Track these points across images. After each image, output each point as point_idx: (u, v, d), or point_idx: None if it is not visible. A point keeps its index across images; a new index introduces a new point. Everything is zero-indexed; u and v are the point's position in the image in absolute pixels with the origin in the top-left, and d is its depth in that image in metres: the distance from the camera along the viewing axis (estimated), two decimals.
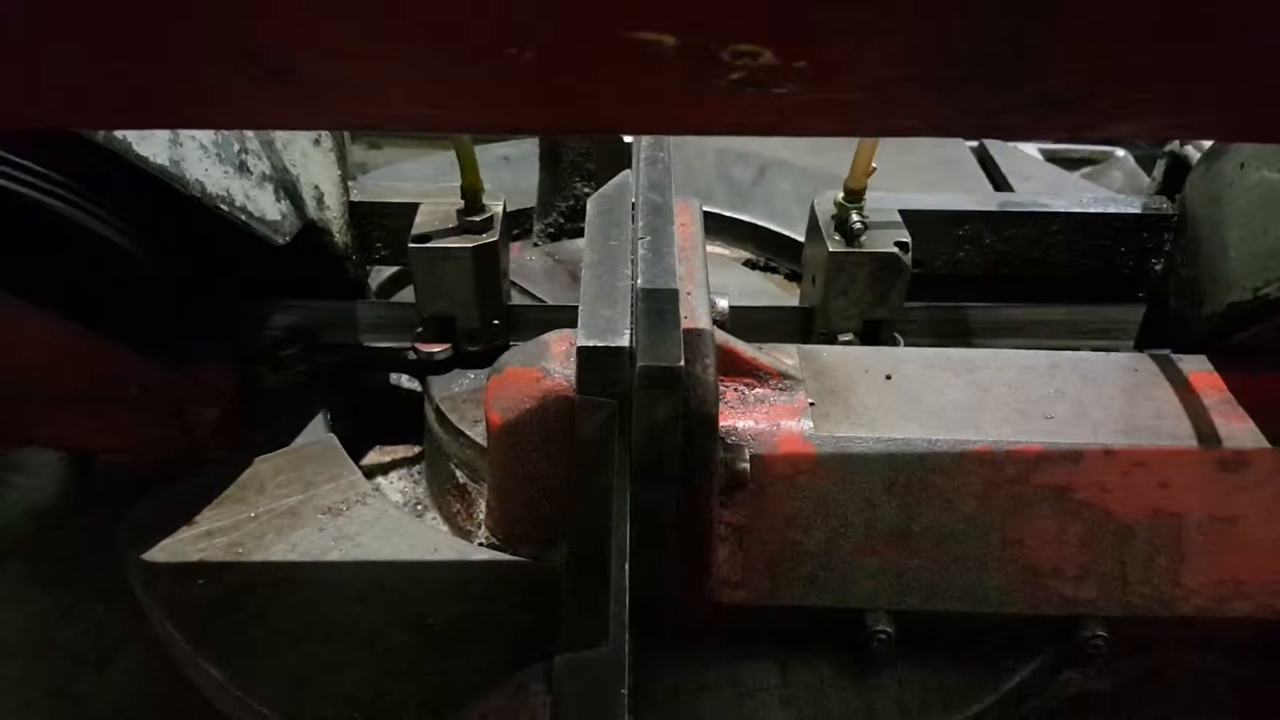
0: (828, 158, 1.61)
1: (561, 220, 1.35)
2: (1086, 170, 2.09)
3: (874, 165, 1.04)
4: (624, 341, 0.72)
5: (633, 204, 0.86)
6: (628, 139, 1.08)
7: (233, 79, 0.38)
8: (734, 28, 0.35)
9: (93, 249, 0.78)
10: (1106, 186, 1.97)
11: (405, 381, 1.29)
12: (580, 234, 1.37)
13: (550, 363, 0.78)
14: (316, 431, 1.04)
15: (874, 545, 0.80)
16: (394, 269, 1.28)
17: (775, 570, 0.80)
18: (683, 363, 0.64)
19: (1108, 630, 0.80)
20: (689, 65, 0.37)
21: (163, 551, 0.87)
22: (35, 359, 0.86)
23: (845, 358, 0.90)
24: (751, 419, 0.81)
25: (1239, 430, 0.83)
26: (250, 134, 0.87)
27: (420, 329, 1.10)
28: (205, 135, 0.81)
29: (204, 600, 0.83)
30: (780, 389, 0.83)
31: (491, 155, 1.56)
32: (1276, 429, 0.82)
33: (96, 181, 0.73)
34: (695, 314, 0.73)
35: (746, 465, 0.76)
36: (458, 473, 1.05)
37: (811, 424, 0.81)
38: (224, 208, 0.82)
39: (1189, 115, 0.44)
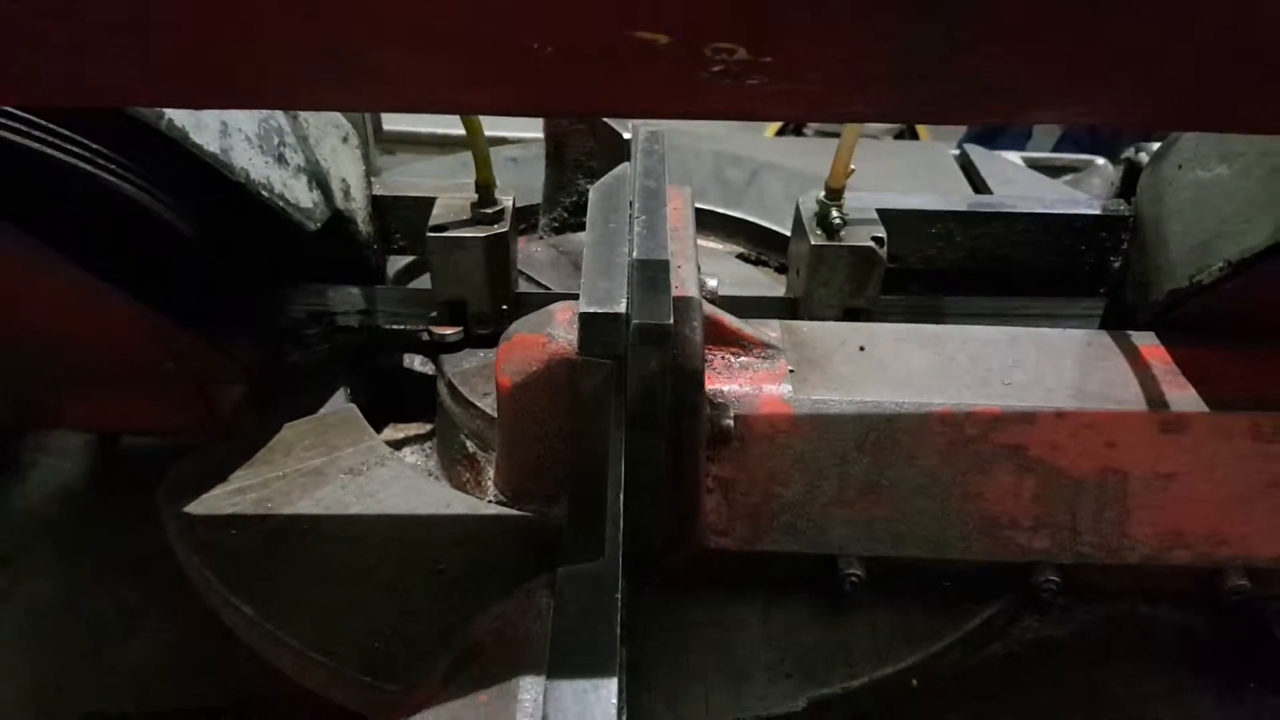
0: (815, 162, 1.71)
1: (566, 215, 1.44)
2: (1068, 178, 2.18)
3: (852, 167, 1.13)
4: (621, 309, 0.81)
5: (632, 189, 0.95)
6: (626, 135, 1.17)
7: (308, 68, 0.47)
8: (714, 29, 0.44)
9: (148, 225, 0.86)
10: (1087, 192, 2.06)
11: (418, 365, 1.37)
12: (583, 228, 1.47)
13: (555, 329, 0.86)
14: (338, 403, 1.13)
15: (846, 497, 0.89)
16: (409, 259, 1.37)
17: (757, 519, 0.89)
18: (672, 321, 0.73)
19: (1060, 576, 0.89)
20: (678, 60, 0.46)
21: (199, 505, 0.95)
22: (87, 325, 0.95)
23: (823, 331, 0.99)
24: (736, 383, 0.89)
25: (1180, 396, 0.91)
26: (288, 128, 0.97)
27: (434, 313, 1.19)
28: (250, 127, 0.90)
29: (237, 547, 0.91)
30: (763, 357, 0.92)
31: (501, 157, 1.65)
32: (1214, 395, 0.91)
33: (153, 163, 0.82)
34: (685, 284, 0.82)
35: (731, 422, 0.85)
36: (467, 443, 1.14)
37: (791, 388, 0.90)
38: (265, 194, 0.91)
39: (1093, 103, 0.53)
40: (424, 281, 1.39)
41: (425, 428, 1.27)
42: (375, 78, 0.47)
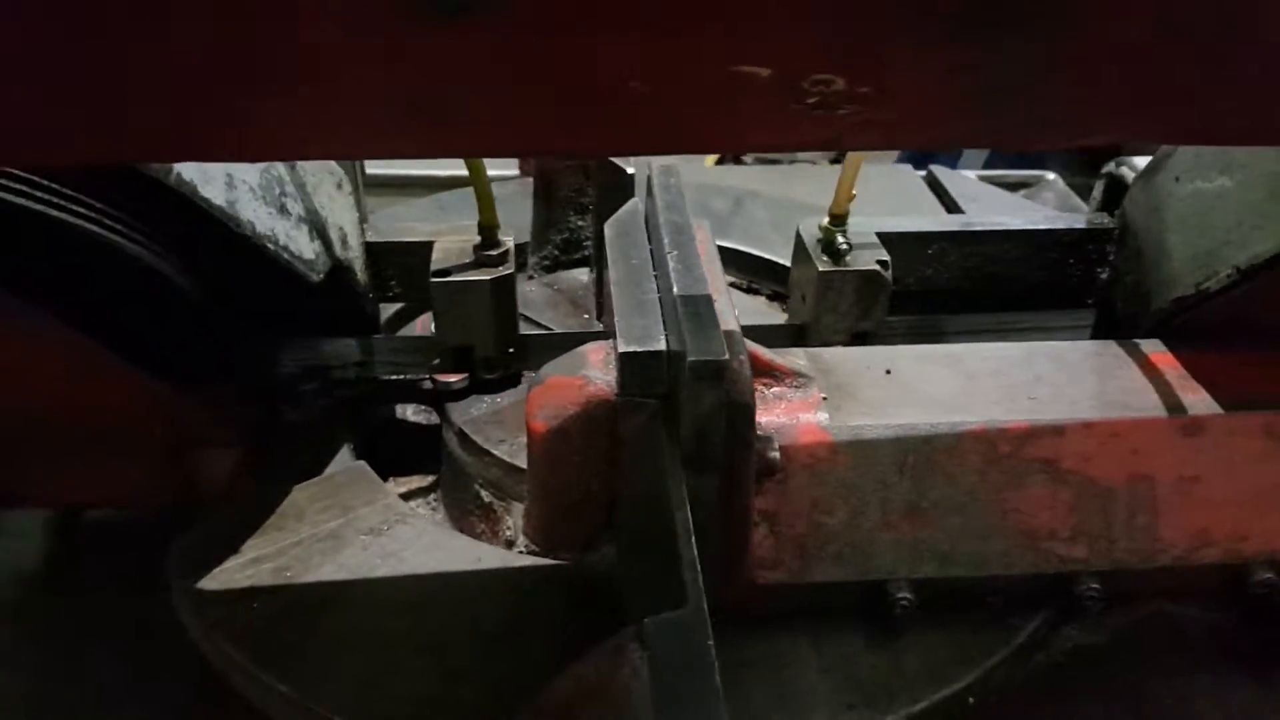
0: (795, 189, 1.74)
1: (557, 253, 1.43)
2: (1023, 192, 2.25)
3: (854, 192, 1.14)
4: (661, 346, 0.80)
5: (651, 224, 0.95)
6: (630, 170, 1.16)
7: (396, 116, 0.45)
8: (817, 61, 0.44)
9: (149, 283, 0.82)
10: (1042, 205, 2.13)
11: (411, 415, 1.34)
12: (575, 265, 1.46)
13: (591, 370, 0.85)
14: (345, 461, 1.09)
15: (890, 521, 0.88)
16: (398, 306, 1.34)
17: (805, 550, 0.88)
18: (726, 356, 0.72)
19: (1100, 584, 0.90)
20: (774, 93, 0.45)
21: (213, 580, 0.90)
22: (82, 394, 0.89)
23: (847, 357, 0.99)
24: (773, 414, 0.89)
25: (1194, 400, 0.94)
26: (287, 177, 0.93)
27: (436, 360, 1.16)
28: (253, 178, 0.86)
29: (260, 621, 0.86)
30: (795, 386, 0.92)
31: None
32: (1225, 397, 0.94)
33: (155, 219, 0.78)
34: (725, 318, 0.81)
35: (777, 454, 0.84)
36: (482, 493, 1.10)
37: (827, 416, 0.90)
38: (270, 246, 0.88)
39: (1152, 125, 0.55)
40: (414, 329, 1.36)
41: (427, 479, 1.24)
42: (468, 123, 0.45)
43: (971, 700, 0.86)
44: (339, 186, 1.08)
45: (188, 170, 0.76)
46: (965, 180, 1.98)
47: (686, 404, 0.74)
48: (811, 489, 0.88)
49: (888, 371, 0.96)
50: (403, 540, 0.95)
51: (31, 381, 0.86)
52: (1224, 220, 0.92)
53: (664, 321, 0.83)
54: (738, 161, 3.50)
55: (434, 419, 1.31)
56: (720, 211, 1.57)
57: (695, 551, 0.66)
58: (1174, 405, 0.93)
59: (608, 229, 0.99)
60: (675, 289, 0.79)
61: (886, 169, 1.99)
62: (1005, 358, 0.99)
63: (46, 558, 1.49)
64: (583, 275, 1.44)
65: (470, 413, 1.15)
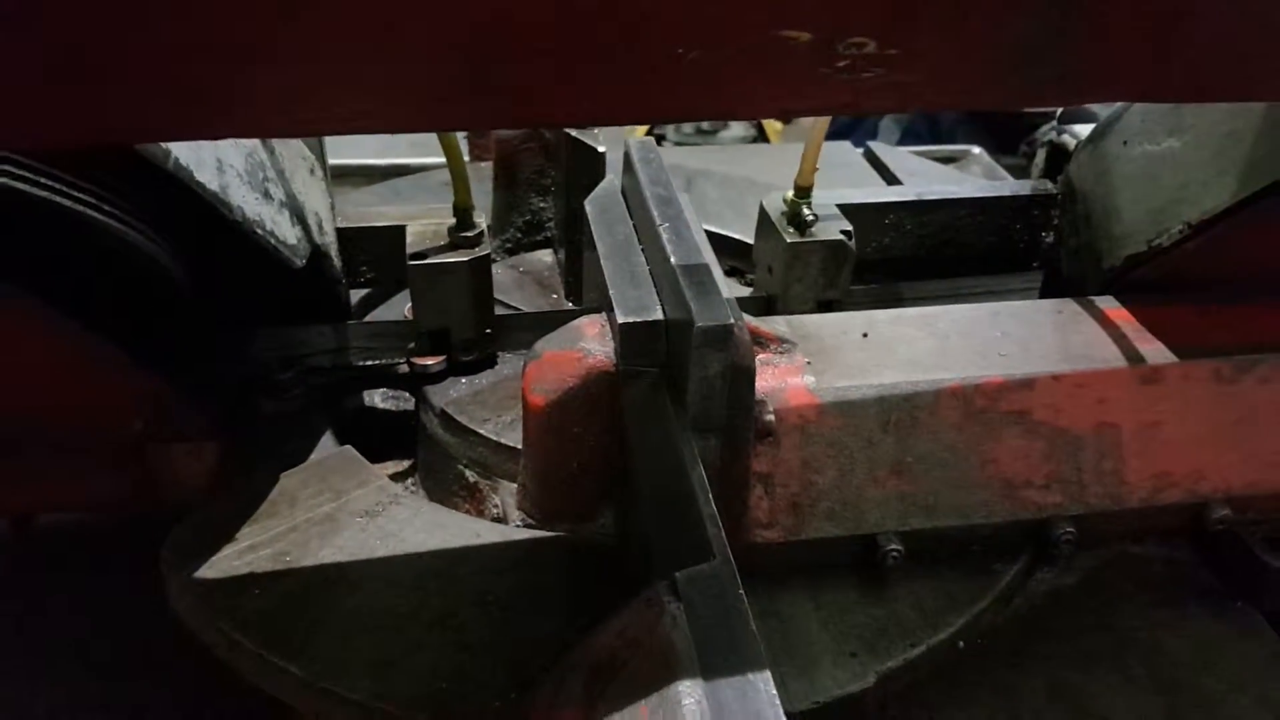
0: (745, 166, 1.77)
1: (519, 235, 1.43)
2: (951, 165, 2.33)
3: (817, 166, 1.18)
4: (658, 315, 0.82)
5: (633, 198, 0.96)
6: (600, 149, 1.17)
7: (458, 85, 0.45)
8: (854, 23, 0.46)
9: (141, 271, 0.80)
10: (971, 176, 2.21)
11: (380, 402, 1.33)
12: (538, 246, 1.46)
13: (589, 343, 0.86)
14: (329, 448, 1.08)
15: (878, 477, 0.92)
16: (365, 291, 1.32)
17: (798, 509, 0.91)
18: (733, 321, 0.74)
19: (1074, 527, 0.95)
20: (810, 56, 0.47)
21: (211, 569, 0.89)
22: (76, 388, 0.87)
23: (825, 322, 1.02)
24: (763, 379, 0.91)
25: (1150, 350, 1.00)
26: (268, 162, 0.92)
27: (412, 344, 1.16)
28: (239, 163, 0.85)
29: (265, 607, 0.85)
30: (781, 352, 0.95)
31: (434, 181, 1.63)
32: (1178, 346, 1.00)
33: (148, 204, 0.77)
34: (721, 286, 0.83)
35: (771, 417, 0.87)
36: (467, 472, 1.11)
37: (813, 379, 0.93)
38: (258, 231, 0.86)
39: (1159, 83, 0.58)
40: (383, 313, 1.34)
41: (403, 465, 1.23)
42: (522, 96, 0.46)
43: (961, 644, 0.91)
44: (311, 172, 1.07)
45: (184, 155, 0.74)
46: (902, 155, 2.04)
47: (694, 368, 0.76)
48: (802, 449, 0.91)
49: (865, 335, 1.00)
50: (399, 520, 0.95)
51: (20, 373, 0.84)
52: (1174, 179, 0.98)
53: (657, 290, 0.85)
54: (660, 141, 3.53)
55: (404, 405, 1.31)
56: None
57: (714, 508, 0.69)
58: (1132, 356, 0.99)
59: (589, 206, 1.01)
60: (672, 259, 0.81)
61: (827, 146, 2.04)
62: (973, 318, 1.04)
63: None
64: (546, 256, 1.44)
65: (450, 394, 1.15)
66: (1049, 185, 1.32)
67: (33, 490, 1.18)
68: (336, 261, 1.12)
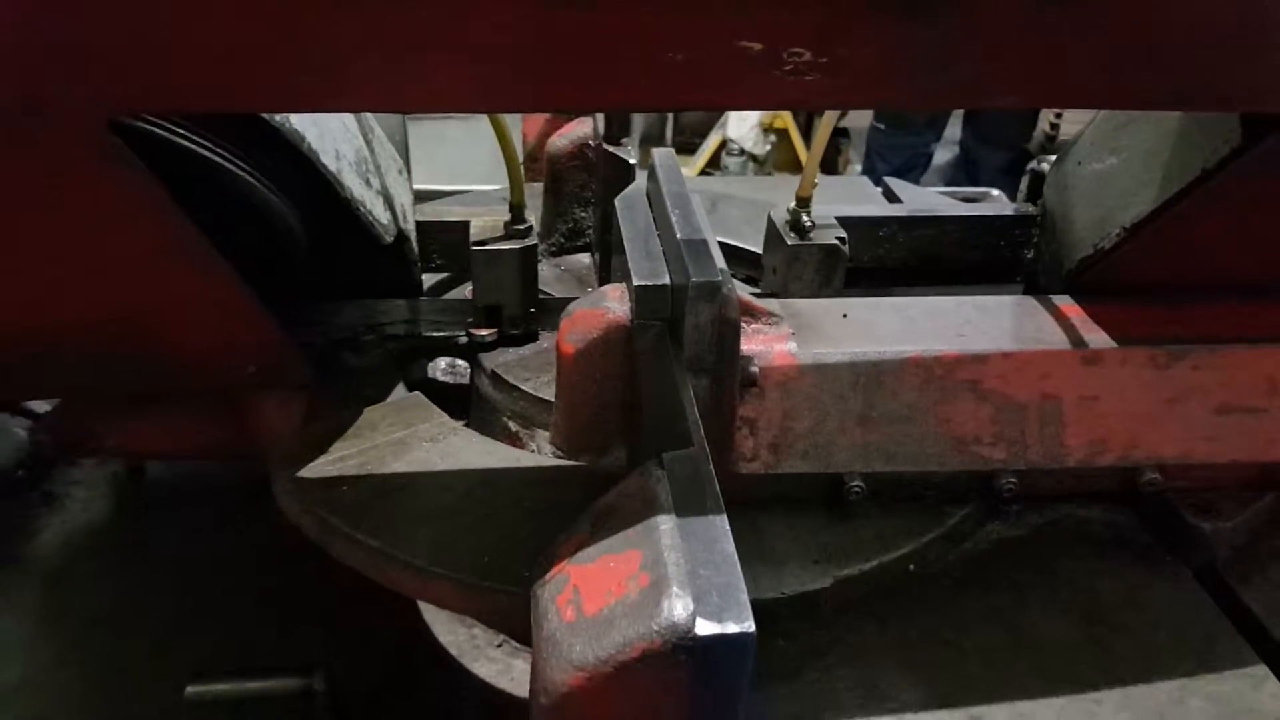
0: (761, 194, 1.99)
1: (563, 240, 1.67)
2: (972, 205, 2.52)
3: (816, 181, 1.39)
4: (666, 281, 1.04)
5: (654, 196, 1.18)
6: (632, 160, 1.41)
7: (509, 76, 0.68)
8: (791, 37, 0.67)
9: (276, 231, 1.05)
10: None
11: (440, 375, 1.56)
12: (579, 250, 1.70)
13: (610, 303, 1.07)
14: (401, 394, 1.30)
15: (846, 427, 1.11)
16: (439, 277, 1.57)
17: (778, 449, 1.10)
18: (721, 279, 0.95)
19: (1017, 479, 1.13)
20: (764, 62, 0.69)
21: (309, 472, 1.11)
22: (218, 331, 1.10)
23: (811, 305, 1.22)
24: (753, 344, 1.11)
25: (1094, 337, 1.17)
26: (368, 157, 1.17)
27: (470, 319, 1.39)
28: (350, 155, 1.09)
29: (350, 499, 1.07)
30: (770, 324, 1.15)
31: (490, 197, 1.88)
32: (1120, 335, 1.17)
33: (283, 176, 1.01)
34: (716, 258, 1.05)
35: (756, 369, 1.07)
36: (510, 424, 1.33)
37: (796, 345, 1.13)
38: (361, 209, 1.11)
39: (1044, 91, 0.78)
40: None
41: (457, 424, 1.45)
42: (566, 86, 0.69)
43: (911, 567, 1.09)
44: (399, 172, 1.32)
45: (312, 140, 0.99)
46: (916, 191, 2.24)
47: (689, 317, 0.97)
48: (783, 401, 1.11)
49: (844, 315, 1.20)
50: (457, 445, 1.17)
51: (181, 317, 1.06)
52: (1113, 191, 1.17)
53: (667, 264, 1.06)
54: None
55: (459, 379, 1.54)
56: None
57: (698, 416, 0.89)
58: (1077, 341, 1.17)
59: (618, 202, 1.23)
60: (678, 235, 1.03)
61: (848, 179, 2.26)
62: (940, 306, 1.23)
63: (118, 505, 1.72)
64: (585, 258, 1.68)
65: (499, 359, 1.37)
66: (1030, 208, 1.51)
67: (150, 437, 1.43)
68: (414, 246, 1.36)
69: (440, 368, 1.58)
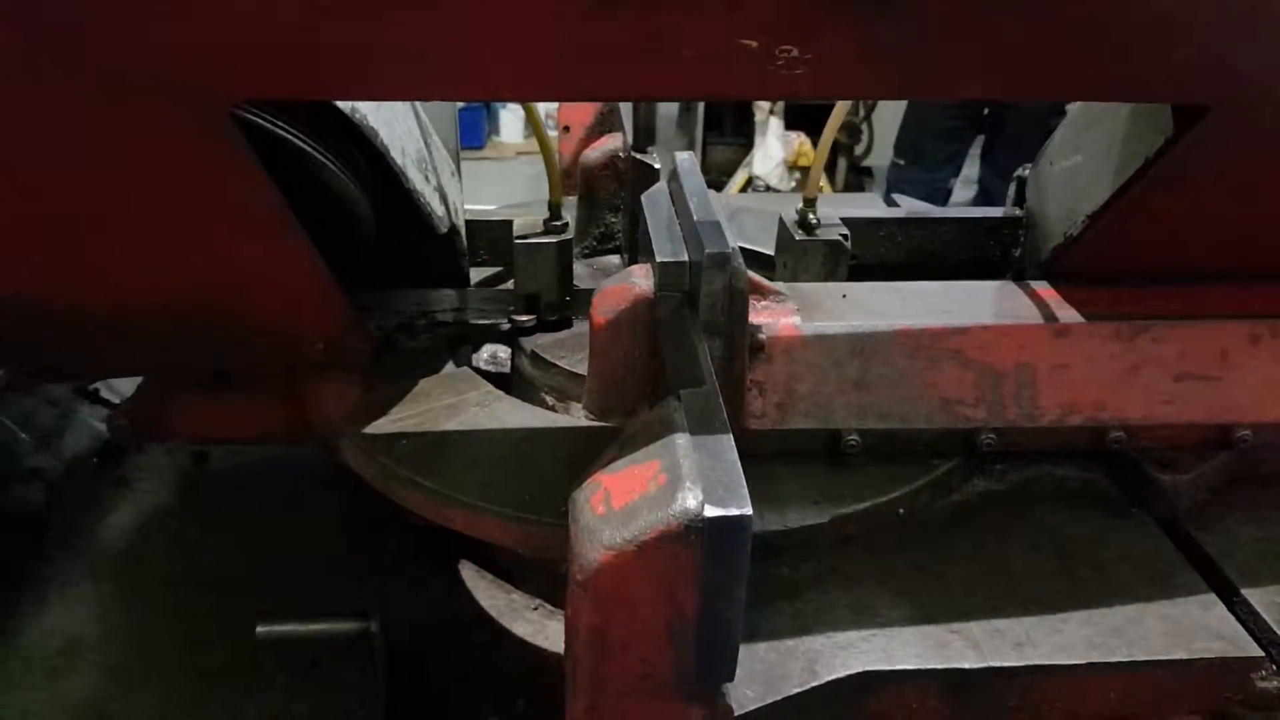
0: (778, 206, 2.16)
1: (595, 243, 1.84)
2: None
3: (822, 184, 1.56)
4: (685, 258, 1.20)
5: (676, 192, 1.35)
6: (656, 166, 1.58)
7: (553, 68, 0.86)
8: (782, 36, 0.84)
9: (349, 215, 1.23)
10: None
11: (483, 364, 1.73)
12: (610, 252, 1.87)
13: (636, 279, 1.24)
14: (450, 369, 1.47)
15: (844, 389, 1.27)
16: (486, 272, 1.75)
17: (783, 408, 1.26)
18: (731, 250, 1.12)
19: (996, 435, 1.27)
20: (759, 57, 0.86)
21: (373, 429, 1.28)
22: (305, 309, 1.27)
23: (814, 286, 1.39)
24: (762, 317, 1.28)
25: (1066, 314, 1.32)
26: (428, 157, 1.35)
27: (512, 307, 1.56)
28: (413, 152, 1.28)
29: (410, 450, 1.24)
30: (777, 301, 1.31)
31: (529, 208, 2.07)
32: (1088, 312, 1.32)
33: (359, 167, 1.19)
34: (728, 235, 1.21)
35: (764, 337, 1.23)
36: (547, 398, 1.49)
37: (800, 319, 1.29)
38: (420, 200, 1.29)
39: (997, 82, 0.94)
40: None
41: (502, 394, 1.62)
42: (599, 72, 0.86)
43: (901, 511, 1.23)
44: (452, 174, 1.50)
45: (385, 137, 1.17)
46: (923, 206, 2.41)
47: (703, 284, 1.13)
48: (788, 367, 1.26)
49: (844, 295, 1.36)
50: (502, 409, 1.33)
51: (274, 294, 1.24)
52: (1079, 185, 1.32)
53: (686, 246, 1.23)
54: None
55: (500, 368, 1.71)
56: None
57: (710, 367, 1.05)
58: (1050, 317, 1.31)
59: (644, 199, 1.40)
60: (695, 217, 1.20)
61: (859, 196, 2.44)
62: (930, 289, 1.39)
63: (185, 489, 1.89)
64: (615, 260, 1.85)
65: (538, 341, 1.54)
66: (1016, 210, 1.67)
67: (217, 422, 1.60)
68: (464, 240, 1.54)
69: (484, 358, 1.76)
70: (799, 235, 1.53)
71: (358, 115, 1.13)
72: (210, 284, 1.19)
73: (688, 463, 0.88)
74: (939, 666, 1.05)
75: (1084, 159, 1.33)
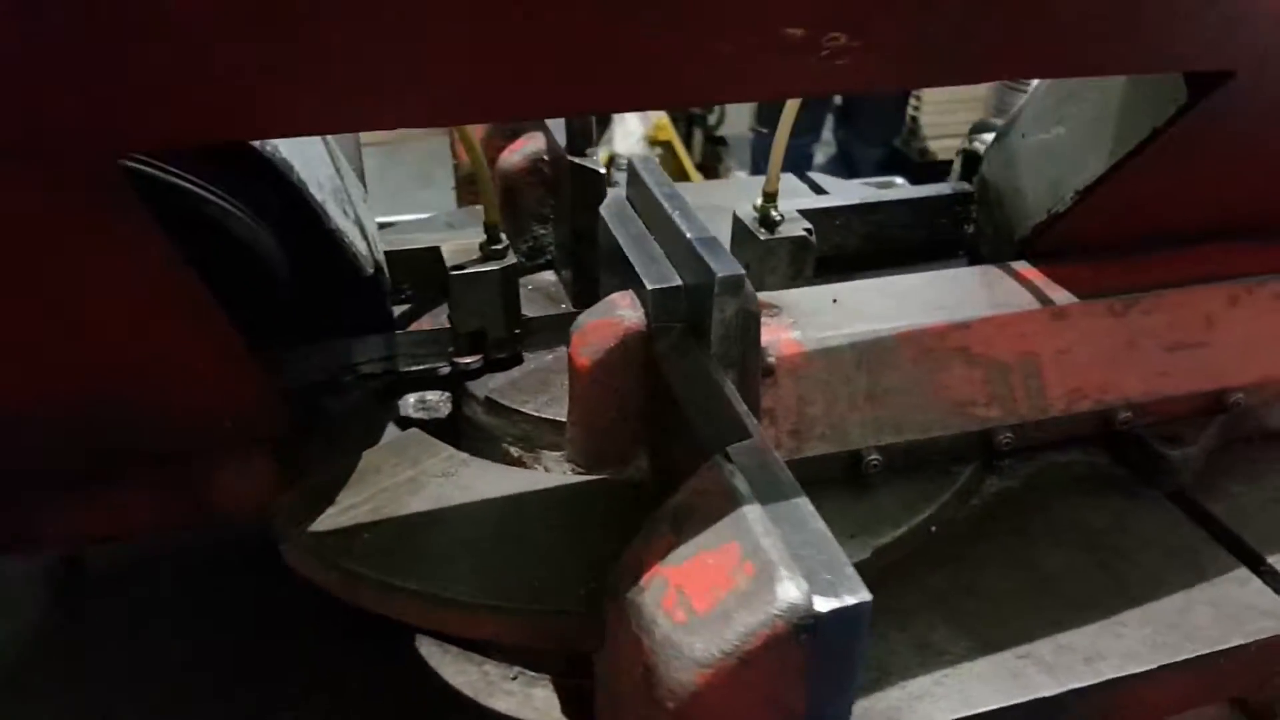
0: (710, 197, 2.03)
1: (523, 259, 1.65)
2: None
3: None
4: (678, 282, 1.05)
5: (641, 201, 1.19)
6: (601, 170, 1.41)
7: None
8: (831, 23, 0.70)
9: (263, 271, 1.00)
10: None
11: (413, 412, 1.52)
12: (539, 269, 1.68)
13: (623, 311, 1.07)
14: (395, 434, 1.26)
15: (856, 405, 1.15)
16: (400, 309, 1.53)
17: (798, 434, 1.13)
18: (744, 272, 0.97)
19: (1012, 433, 1.20)
20: (804, 47, 0.72)
21: (321, 524, 1.06)
22: (215, 385, 1.04)
23: (801, 294, 1.26)
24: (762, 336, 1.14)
25: (1057, 295, 1.26)
26: (343, 186, 1.13)
27: (452, 348, 1.36)
28: (329, 185, 1.06)
29: (374, 545, 1.03)
30: (770, 315, 1.18)
31: (439, 223, 1.84)
32: (1079, 291, 1.26)
33: (268, 209, 0.97)
34: (728, 251, 1.07)
35: (772, 359, 1.10)
36: (511, 449, 1.31)
37: (799, 333, 1.16)
38: (345, 240, 1.07)
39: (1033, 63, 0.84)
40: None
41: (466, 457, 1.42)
42: (642, 76, 0.69)
43: (933, 528, 1.14)
44: (364, 200, 1.28)
45: (301, 170, 0.95)
46: (840, 183, 2.34)
47: (715, 313, 0.98)
48: (796, 389, 1.14)
49: (834, 300, 1.24)
50: (471, 477, 1.14)
51: (179, 370, 1.00)
52: (1063, 158, 1.26)
53: (675, 267, 1.08)
54: None
55: (434, 414, 1.50)
56: None
57: (745, 405, 0.91)
58: (1043, 300, 1.25)
59: (604, 212, 1.23)
60: (688, 234, 1.04)
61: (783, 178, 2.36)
62: (917, 283, 1.29)
63: (56, 601, 1.57)
64: (549, 276, 1.67)
65: (490, 385, 1.35)
66: (966, 185, 1.61)
67: (94, 520, 1.32)
68: (387, 278, 1.32)
69: (410, 404, 1.54)
70: (763, 234, 1.40)
71: (268, 148, 0.91)
72: (96, 371, 0.96)
73: (770, 541, 0.74)
74: (1022, 700, 0.96)
75: (1067, 131, 1.26)
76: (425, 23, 0.63)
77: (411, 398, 1.50)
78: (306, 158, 1.01)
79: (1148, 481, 1.26)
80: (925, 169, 5.50)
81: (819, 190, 2.21)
